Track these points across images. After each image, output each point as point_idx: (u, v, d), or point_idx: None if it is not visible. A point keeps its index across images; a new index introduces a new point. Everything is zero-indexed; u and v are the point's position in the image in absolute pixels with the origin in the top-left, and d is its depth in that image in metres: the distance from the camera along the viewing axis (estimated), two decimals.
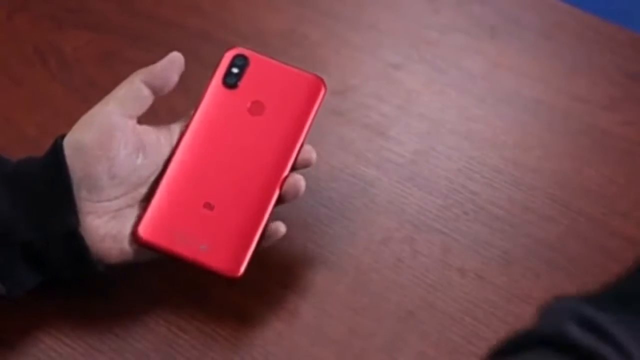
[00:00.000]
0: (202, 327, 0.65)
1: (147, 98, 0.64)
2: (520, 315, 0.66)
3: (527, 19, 0.85)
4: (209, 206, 0.64)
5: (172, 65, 0.65)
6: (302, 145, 0.65)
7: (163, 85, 0.65)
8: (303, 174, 0.64)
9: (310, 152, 0.66)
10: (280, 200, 0.64)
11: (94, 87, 0.65)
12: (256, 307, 0.67)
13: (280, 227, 0.64)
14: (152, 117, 0.65)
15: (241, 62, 0.66)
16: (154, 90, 0.65)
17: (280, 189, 0.64)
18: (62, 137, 0.63)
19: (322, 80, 0.67)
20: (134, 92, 0.64)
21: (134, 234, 0.63)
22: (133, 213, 0.63)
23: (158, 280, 0.67)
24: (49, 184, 0.61)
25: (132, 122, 0.64)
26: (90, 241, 0.61)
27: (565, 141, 0.76)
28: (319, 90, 0.66)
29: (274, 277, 0.68)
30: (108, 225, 0.62)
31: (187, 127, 0.65)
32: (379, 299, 0.67)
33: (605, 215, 0.71)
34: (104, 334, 0.65)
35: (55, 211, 0.61)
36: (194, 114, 0.65)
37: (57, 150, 0.62)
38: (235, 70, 0.66)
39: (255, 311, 0.66)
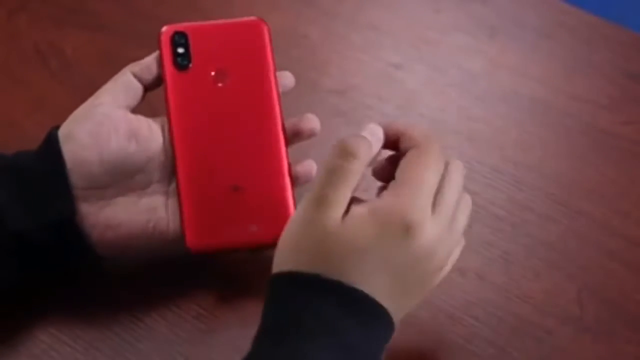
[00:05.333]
0: (202, 327, 0.65)
1: (138, 90, 0.65)
2: (520, 315, 0.66)
3: (527, 19, 0.85)
4: (235, 188, 0.63)
5: None
6: (277, 86, 0.65)
7: (153, 78, 0.65)
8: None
9: (289, 78, 0.67)
10: (293, 184, 0.64)
11: (94, 87, 0.65)
12: (257, 307, 0.66)
13: (311, 167, 0.65)
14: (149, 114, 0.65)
15: (182, 39, 0.66)
16: (145, 82, 0.65)
17: (284, 132, 0.64)
18: (57, 127, 0.63)
19: (260, 20, 0.67)
20: (124, 84, 0.65)
21: (186, 248, 0.63)
22: (128, 202, 0.63)
23: (158, 280, 0.67)
24: (44, 173, 0.62)
25: (123, 111, 0.64)
26: (82, 229, 0.62)
27: (565, 141, 0.76)
28: (262, 30, 0.66)
29: None
30: (101, 213, 0.62)
31: (170, 125, 0.64)
32: None
33: (605, 215, 0.71)
34: (104, 334, 0.65)
35: (50, 200, 0.61)
36: (168, 111, 0.65)
37: (51, 140, 0.62)
38: (180, 50, 0.65)
39: (257, 311, 0.66)
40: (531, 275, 0.68)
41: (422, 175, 0.56)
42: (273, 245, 0.61)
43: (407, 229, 0.55)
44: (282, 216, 0.63)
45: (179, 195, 0.63)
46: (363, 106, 0.78)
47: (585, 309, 0.66)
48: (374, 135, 0.59)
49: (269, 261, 0.64)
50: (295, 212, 0.58)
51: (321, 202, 0.56)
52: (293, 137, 0.65)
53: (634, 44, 0.83)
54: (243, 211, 0.63)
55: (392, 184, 0.57)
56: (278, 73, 0.66)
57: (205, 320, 0.66)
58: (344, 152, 0.56)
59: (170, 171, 0.65)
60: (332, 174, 0.56)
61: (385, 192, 0.57)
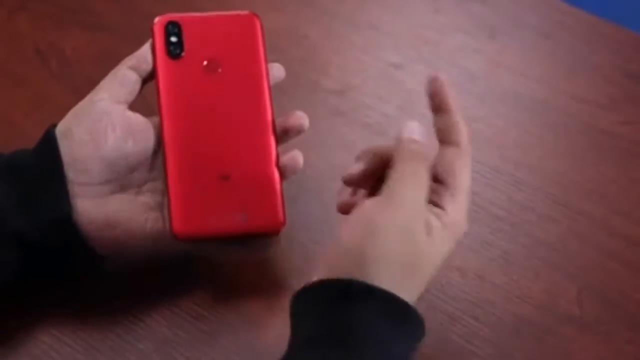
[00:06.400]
0: (202, 327, 0.65)
1: (135, 83, 0.65)
2: (520, 315, 0.66)
3: (527, 19, 0.85)
4: (224, 177, 0.63)
5: None
6: (269, 78, 0.65)
7: (150, 68, 0.65)
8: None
9: (279, 69, 0.67)
10: (281, 174, 0.64)
11: (94, 87, 0.65)
12: (257, 307, 0.67)
13: (297, 157, 0.65)
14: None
15: (175, 28, 0.66)
16: (142, 73, 0.65)
17: (274, 124, 0.64)
18: (55, 125, 0.63)
19: (253, 14, 0.67)
20: (120, 78, 0.64)
21: (172, 234, 0.62)
22: (125, 200, 0.63)
23: (158, 280, 0.67)
24: (41, 171, 0.62)
25: (122, 107, 0.64)
26: (80, 226, 0.62)
27: (565, 141, 0.76)
28: (255, 24, 0.67)
29: (274, 277, 0.68)
30: (99, 211, 0.62)
31: (160, 113, 0.64)
32: None
33: (605, 215, 0.71)
34: (104, 334, 0.65)
35: (47, 198, 0.61)
36: (158, 99, 0.65)
37: (49, 138, 0.62)
38: (173, 39, 0.66)
39: (256, 311, 0.66)
40: (531, 275, 0.68)
41: (469, 181, 0.59)
42: (260, 235, 0.61)
43: (461, 237, 0.58)
44: (269, 206, 0.63)
45: (166, 182, 0.63)
46: (363, 106, 0.78)
47: (585, 309, 0.66)
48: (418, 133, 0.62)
49: (273, 268, 0.64)
50: (377, 219, 0.57)
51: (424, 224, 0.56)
52: (282, 135, 0.65)
53: (633, 44, 0.83)
54: (231, 200, 0.63)
55: (449, 191, 0.58)
56: (268, 65, 0.66)
57: (205, 320, 0.66)
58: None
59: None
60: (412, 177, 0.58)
61: (448, 201, 0.57)
